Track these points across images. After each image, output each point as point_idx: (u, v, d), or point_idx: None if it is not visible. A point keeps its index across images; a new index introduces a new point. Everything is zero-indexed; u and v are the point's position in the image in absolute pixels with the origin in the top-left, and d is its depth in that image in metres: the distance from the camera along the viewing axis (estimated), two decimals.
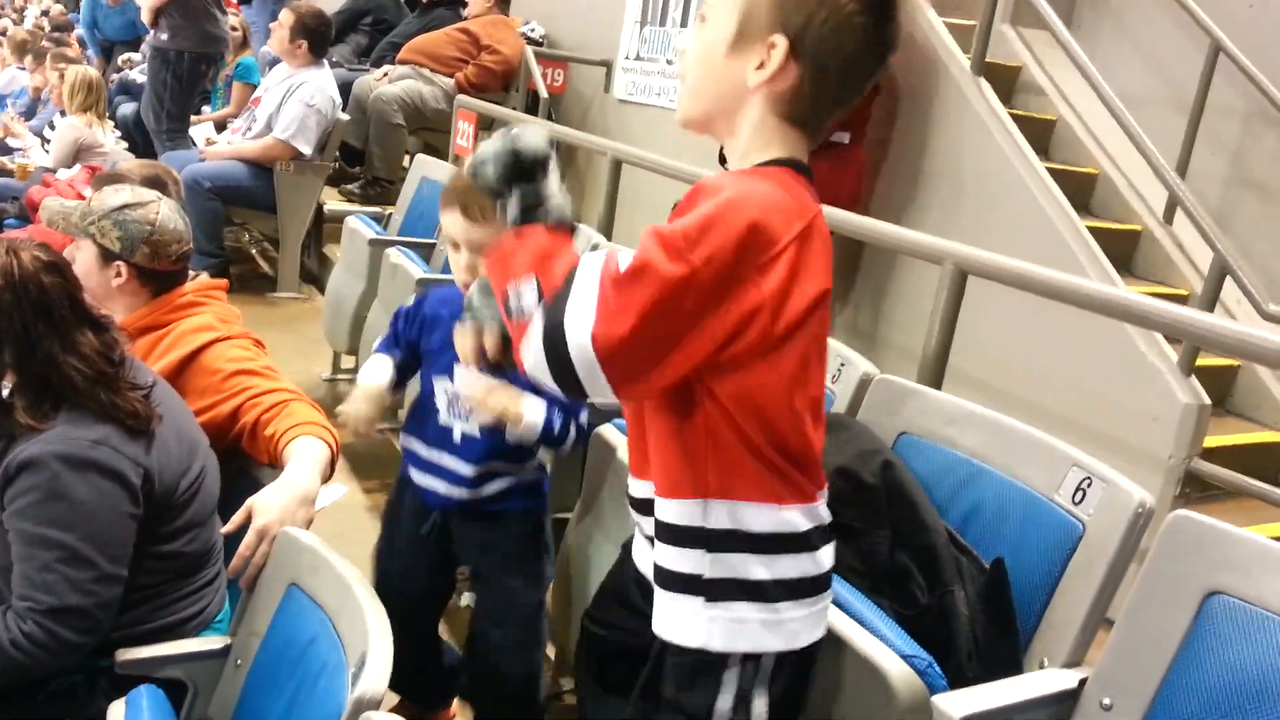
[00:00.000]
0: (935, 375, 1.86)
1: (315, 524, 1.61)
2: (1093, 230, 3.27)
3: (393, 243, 3.15)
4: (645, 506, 1.13)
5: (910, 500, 1.43)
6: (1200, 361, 2.91)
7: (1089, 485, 1.31)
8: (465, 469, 1.74)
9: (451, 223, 1.70)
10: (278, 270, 4.70)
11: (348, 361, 3.60)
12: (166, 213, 1.88)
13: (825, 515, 1.11)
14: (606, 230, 3.26)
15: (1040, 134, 3.96)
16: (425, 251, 3.23)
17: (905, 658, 1.17)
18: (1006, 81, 4.11)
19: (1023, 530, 1.36)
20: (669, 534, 1.08)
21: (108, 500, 1.38)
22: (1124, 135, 3.75)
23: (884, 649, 1.18)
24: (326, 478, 1.74)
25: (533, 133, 1.02)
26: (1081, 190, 3.86)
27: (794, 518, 1.07)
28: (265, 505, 1.56)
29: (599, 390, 0.96)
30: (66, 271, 1.49)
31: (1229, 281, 2.92)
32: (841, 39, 1.01)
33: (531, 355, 0.97)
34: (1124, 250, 3.73)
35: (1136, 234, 3.86)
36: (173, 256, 1.88)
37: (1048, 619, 1.29)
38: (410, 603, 1.83)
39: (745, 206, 0.96)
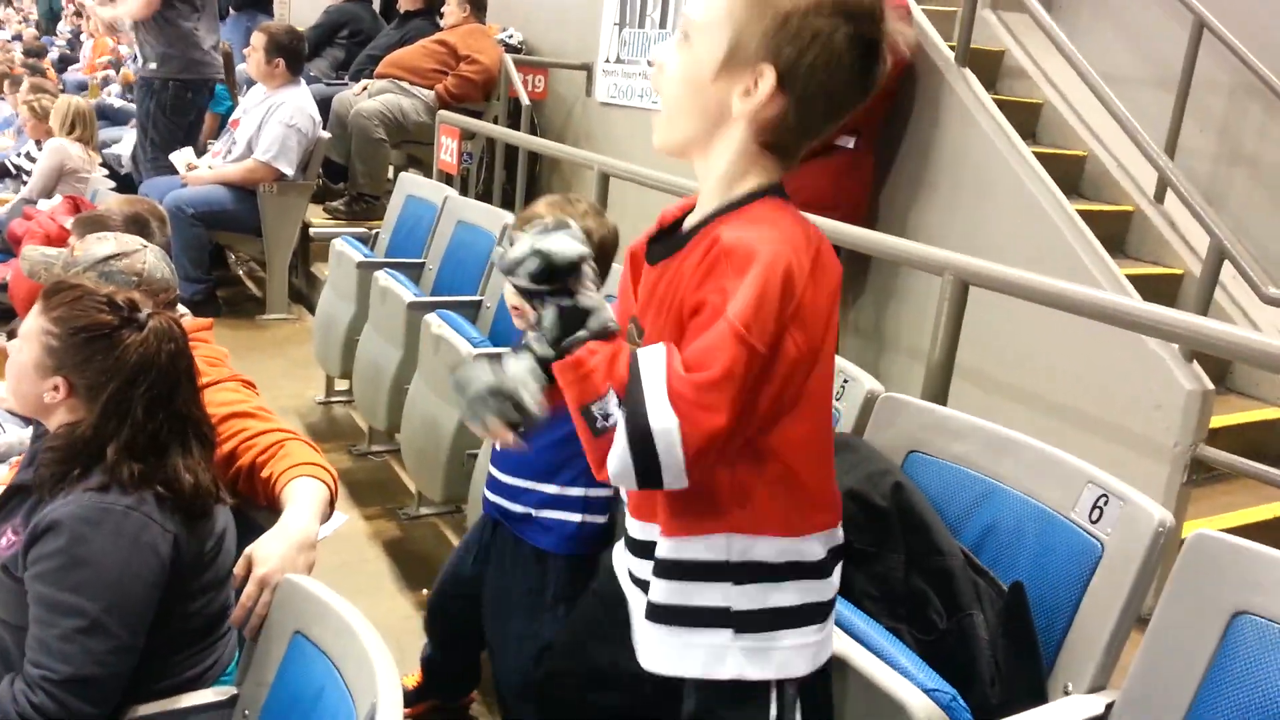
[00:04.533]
0: (941, 386, 1.83)
1: (318, 556, 1.58)
2: (1084, 213, 3.25)
3: (381, 265, 3.11)
4: (645, 549, 1.13)
5: (923, 522, 1.41)
6: None
7: (1106, 503, 1.28)
8: (502, 476, 1.80)
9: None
10: (266, 292, 4.66)
11: (341, 384, 3.56)
12: (153, 261, 1.85)
13: (840, 538, 1.14)
14: None
15: (1027, 119, 3.93)
16: (414, 272, 3.20)
17: (928, 691, 1.15)
18: (990, 67, 4.08)
19: (1040, 550, 1.34)
20: (687, 571, 1.09)
21: (135, 570, 1.35)
22: (1108, 116, 3.74)
23: (906, 684, 1.16)
24: (326, 517, 1.72)
25: (563, 238, 1.01)
26: (1071, 173, 3.83)
27: (813, 548, 1.10)
28: (265, 554, 1.53)
29: (677, 482, 0.99)
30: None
31: (1227, 262, 2.91)
32: (830, 75, 1.00)
33: (616, 465, 0.99)
34: (1116, 231, 3.71)
35: (1128, 214, 3.84)
36: (160, 306, 1.85)
37: (1070, 642, 1.27)
38: (465, 605, 1.88)
39: (779, 263, 0.97)
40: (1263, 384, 3.43)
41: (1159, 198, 3.80)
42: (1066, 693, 1.23)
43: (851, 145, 3.32)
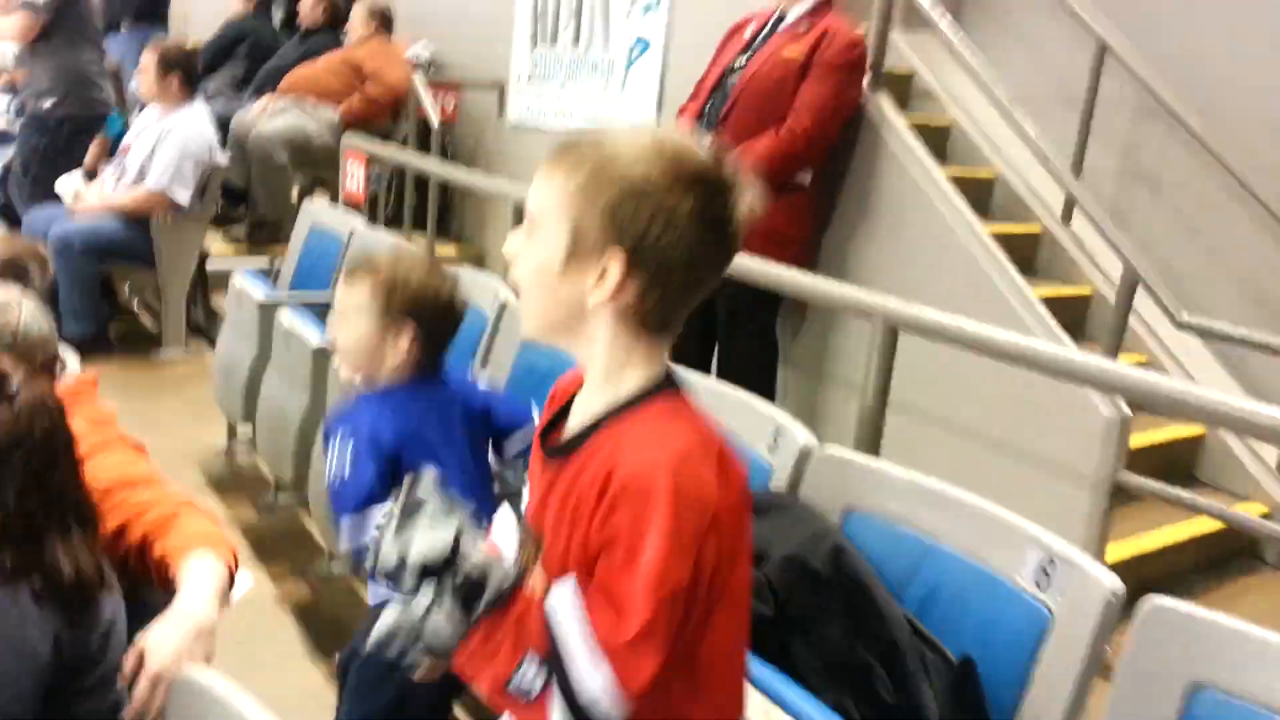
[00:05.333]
0: (874, 431, 1.79)
1: (222, 624, 1.46)
2: (996, 235, 3.28)
3: (283, 303, 2.96)
4: None
5: (865, 589, 1.35)
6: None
7: (1052, 567, 1.24)
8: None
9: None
10: (162, 328, 4.41)
11: (244, 429, 3.38)
12: (29, 317, 1.69)
13: None
14: None
15: (938, 140, 3.96)
16: (321, 310, 3.05)
17: None
18: (900, 89, 4.11)
19: (986, 617, 1.29)
20: None
21: (10, 674, 1.21)
22: (1015, 137, 3.79)
23: None
24: (227, 595, 1.59)
25: (426, 532, 0.96)
26: (981, 194, 3.87)
27: None
28: (157, 645, 1.39)
29: None
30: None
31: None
32: (683, 245, 0.96)
33: None
34: (1026, 251, 3.75)
35: (1037, 235, 3.90)
36: (38, 365, 1.70)
37: (1023, 716, 1.22)
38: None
39: (683, 492, 0.94)
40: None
41: (1066, 218, 3.86)
42: None
43: (808, 181, 3.28)
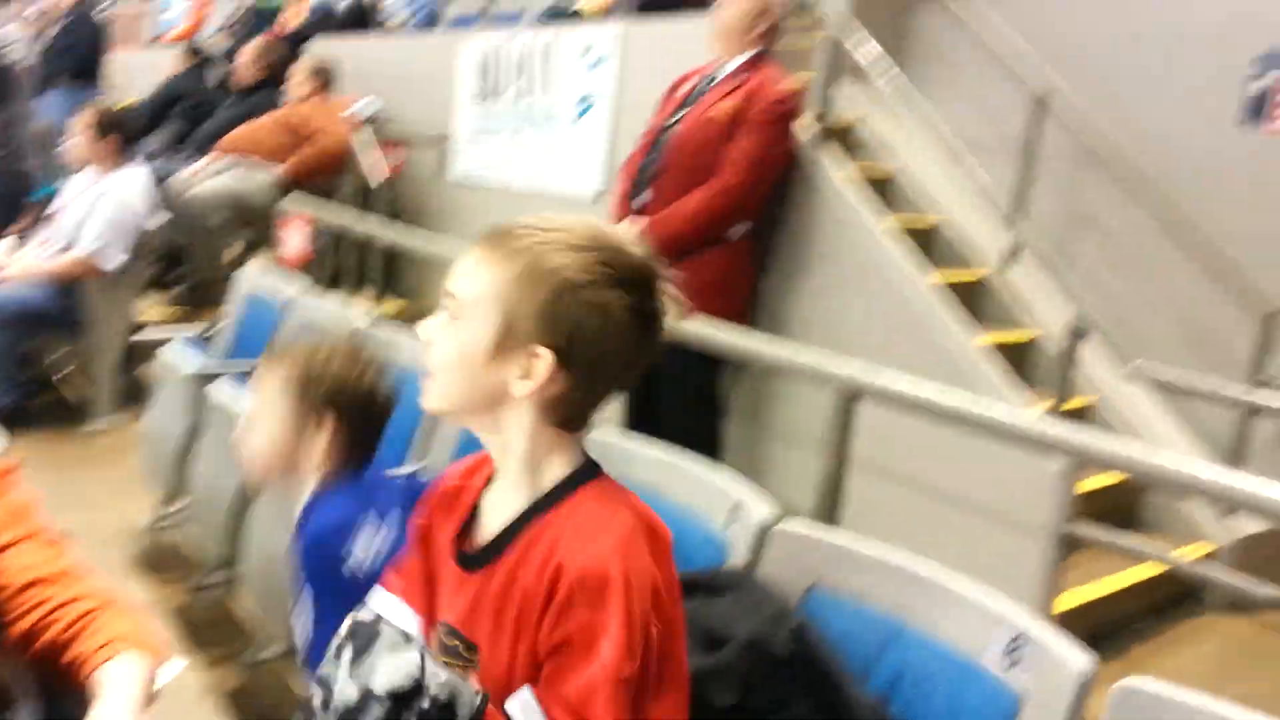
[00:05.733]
0: (832, 500, 1.74)
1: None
2: (939, 282, 3.29)
3: (215, 376, 2.83)
4: None
5: (830, 673, 1.29)
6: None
7: (1020, 647, 1.19)
8: None
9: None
10: (91, 398, 4.23)
11: (174, 504, 3.23)
12: None
13: None
14: None
15: (880, 190, 3.99)
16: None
17: None
18: (842, 139, 4.14)
19: (952, 701, 1.23)
20: None
21: None
22: (958, 185, 3.83)
23: None
24: (150, 700, 1.48)
25: (389, 661, 0.91)
26: (924, 241, 3.90)
27: None
28: None
29: None
30: None
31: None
32: (613, 344, 0.95)
33: None
34: (969, 298, 3.77)
35: (980, 282, 3.92)
36: None
37: None
38: None
39: (635, 581, 0.93)
40: None
41: (1009, 264, 3.89)
42: None
43: (743, 233, 3.27)
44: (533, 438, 0.99)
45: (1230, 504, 1.83)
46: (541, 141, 4.61)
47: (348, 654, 0.91)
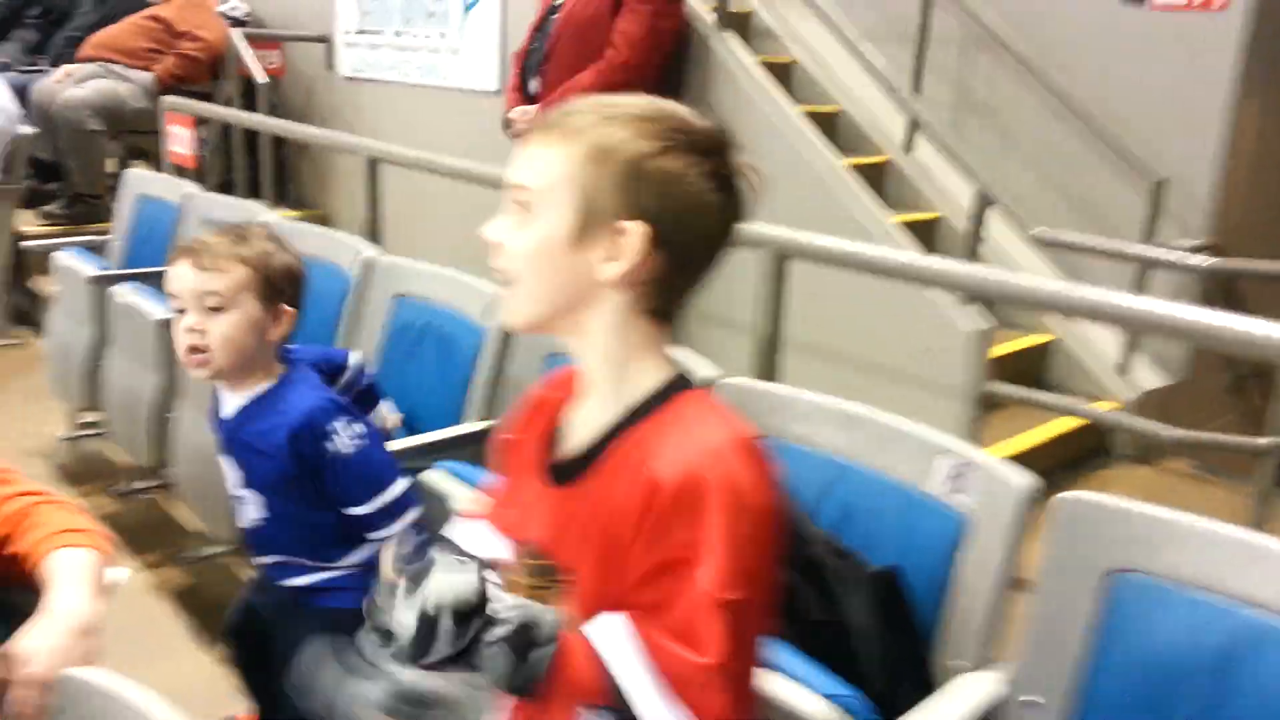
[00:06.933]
0: (769, 362, 1.80)
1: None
2: (847, 167, 3.36)
3: (118, 278, 2.73)
4: None
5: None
6: None
7: (961, 473, 1.27)
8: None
9: (179, 277, 1.52)
10: None
11: (89, 414, 3.13)
12: None
13: None
14: (370, 233, 2.98)
15: (782, 78, 4.01)
16: (159, 281, 2.84)
17: (831, 698, 1.09)
18: (742, 28, 4.13)
19: (901, 528, 1.31)
20: None
21: None
22: (856, 71, 3.87)
23: (807, 694, 1.10)
24: (104, 589, 1.46)
25: (445, 576, 0.84)
26: (828, 129, 3.95)
27: None
28: (32, 650, 1.27)
29: None
30: None
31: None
32: (698, 214, 0.90)
33: None
34: (873, 181, 3.86)
35: (882, 165, 4.01)
36: None
37: (946, 620, 1.25)
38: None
39: (739, 492, 0.86)
40: (1019, 315, 3.69)
41: (907, 147, 3.98)
42: (953, 673, 1.21)
43: None
44: (624, 334, 0.93)
45: (1077, 313, 1.93)
46: (432, 37, 4.47)
47: (403, 588, 0.85)
